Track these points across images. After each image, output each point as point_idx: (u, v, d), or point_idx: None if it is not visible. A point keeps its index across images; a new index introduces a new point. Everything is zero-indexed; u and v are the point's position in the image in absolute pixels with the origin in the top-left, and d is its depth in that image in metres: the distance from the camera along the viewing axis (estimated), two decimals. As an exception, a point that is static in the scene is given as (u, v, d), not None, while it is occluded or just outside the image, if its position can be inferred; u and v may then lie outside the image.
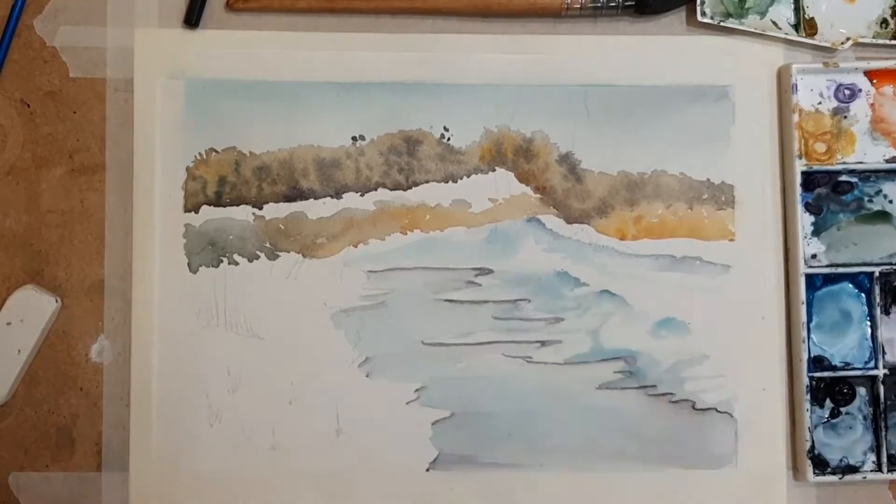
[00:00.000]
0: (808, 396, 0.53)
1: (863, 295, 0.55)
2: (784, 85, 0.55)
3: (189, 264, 0.54)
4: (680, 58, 0.56)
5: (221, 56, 0.54)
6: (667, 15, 0.56)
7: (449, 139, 0.55)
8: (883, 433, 0.54)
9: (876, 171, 0.55)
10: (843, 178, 0.55)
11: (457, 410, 0.54)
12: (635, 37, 0.56)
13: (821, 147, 0.55)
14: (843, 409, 0.55)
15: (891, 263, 0.55)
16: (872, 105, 0.56)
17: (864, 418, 0.55)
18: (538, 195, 0.55)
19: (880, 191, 0.55)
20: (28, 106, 0.54)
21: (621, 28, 0.56)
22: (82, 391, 0.54)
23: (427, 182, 0.55)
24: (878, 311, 0.54)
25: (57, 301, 0.53)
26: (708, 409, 0.55)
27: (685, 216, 0.55)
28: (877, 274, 0.54)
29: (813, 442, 0.54)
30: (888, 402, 0.54)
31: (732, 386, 0.55)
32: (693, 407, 0.55)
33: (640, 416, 0.55)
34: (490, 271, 0.55)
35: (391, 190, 0.55)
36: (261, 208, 0.54)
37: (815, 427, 0.54)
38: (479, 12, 0.55)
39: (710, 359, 0.55)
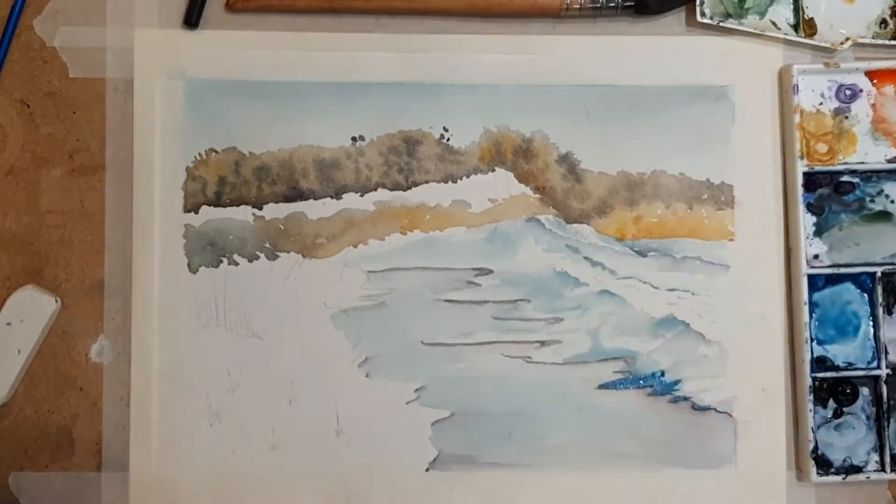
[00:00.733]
0: (811, 397, 0.53)
1: (865, 295, 0.55)
2: (785, 85, 0.55)
3: (189, 264, 0.54)
4: (679, 58, 0.56)
5: (221, 56, 0.55)
6: (666, 15, 0.56)
7: (448, 139, 0.55)
8: (886, 433, 0.54)
9: (877, 172, 0.55)
10: (845, 178, 0.55)
11: (456, 410, 0.54)
12: (635, 37, 0.56)
13: (822, 147, 0.55)
14: (845, 410, 0.55)
15: (893, 263, 0.55)
16: (874, 105, 0.55)
17: (867, 418, 0.55)
18: (538, 195, 0.55)
19: (882, 191, 0.55)
20: (28, 106, 0.54)
21: (621, 28, 0.56)
22: (82, 391, 0.54)
23: (427, 182, 0.55)
24: (880, 311, 0.54)
25: (57, 301, 0.53)
26: (707, 409, 0.55)
27: (685, 216, 0.55)
28: (879, 274, 0.54)
29: (816, 442, 0.54)
30: (891, 402, 0.54)
31: (731, 386, 0.55)
32: (692, 407, 0.55)
33: (640, 416, 0.54)
34: (490, 271, 0.55)
35: (391, 190, 0.55)
36: (261, 208, 0.55)
37: (818, 427, 0.54)
38: (479, 12, 0.55)
39: (710, 359, 0.55)
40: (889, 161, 0.55)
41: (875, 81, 0.55)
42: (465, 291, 0.55)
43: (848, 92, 0.55)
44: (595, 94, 0.55)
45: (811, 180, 0.55)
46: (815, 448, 0.54)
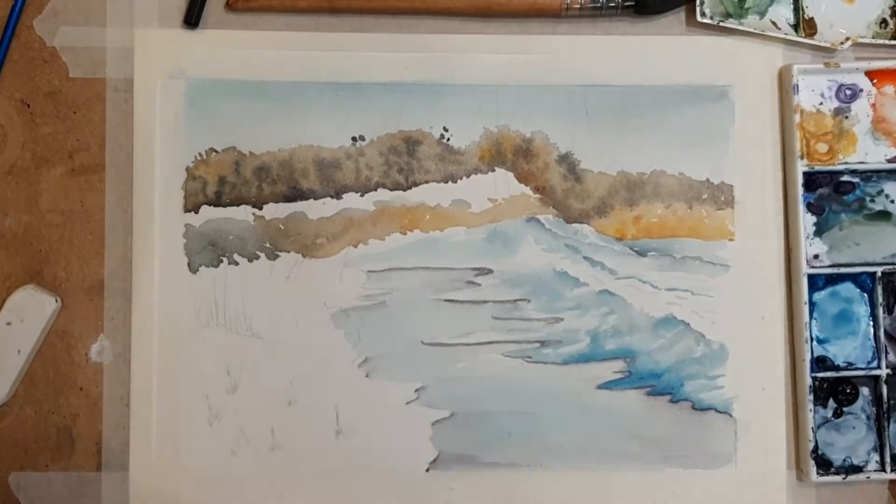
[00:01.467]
0: (811, 396, 0.53)
1: (865, 295, 0.55)
2: (785, 85, 0.55)
3: (189, 264, 0.54)
4: (679, 58, 0.56)
5: (221, 56, 0.55)
6: (666, 15, 0.56)
7: (448, 139, 0.55)
8: (886, 433, 0.54)
9: (878, 171, 0.55)
10: (845, 178, 0.55)
11: (457, 410, 0.54)
12: (635, 37, 0.56)
13: (822, 147, 0.55)
14: (846, 409, 0.54)
15: (893, 263, 0.55)
16: (874, 105, 0.55)
17: (868, 418, 0.55)
18: (538, 195, 0.55)
19: (882, 191, 0.55)
20: (28, 106, 0.54)
21: (621, 28, 0.56)
22: (82, 391, 0.54)
23: (427, 182, 0.55)
24: (880, 310, 0.54)
25: (57, 301, 0.53)
26: (707, 408, 0.55)
27: (685, 216, 0.55)
28: (879, 274, 0.54)
29: (816, 442, 0.54)
30: (891, 402, 0.54)
31: (731, 386, 0.55)
32: (692, 407, 0.55)
33: (640, 416, 0.54)
34: (490, 271, 0.55)
35: (391, 190, 0.55)
36: (261, 208, 0.55)
37: (819, 427, 0.54)
38: (479, 12, 0.55)
39: (710, 359, 0.55)
40: (889, 161, 0.55)
41: (875, 81, 0.55)
42: (465, 291, 0.55)
43: (848, 92, 0.55)
44: (595, 94, 0.55)
45: (811, 180, 0.55)
46: (816, 448, 0.54)
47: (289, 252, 0.54)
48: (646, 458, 0.54)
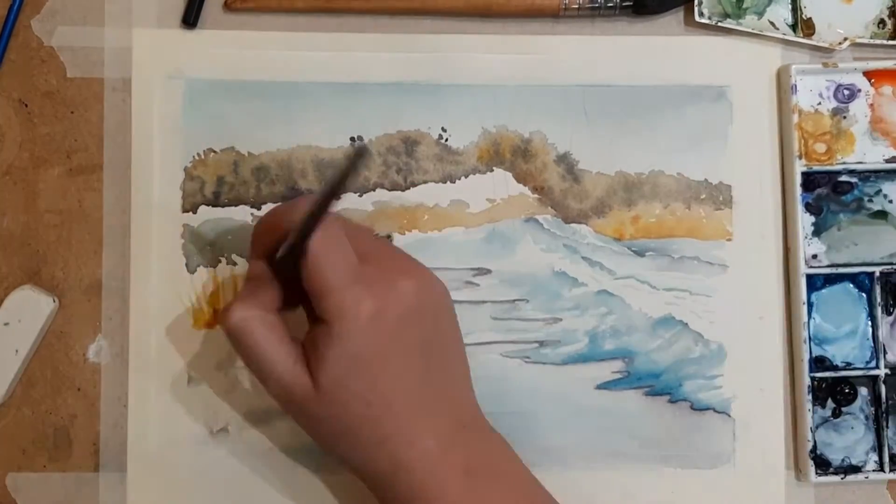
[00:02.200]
0: (810, 397, 0.53)
1: (864, 295, 0.55)
2: (783, 85, 0.55)
3: (187, 264, 0.54)
4: (677, 58, 0.56)
5: (220, 56, 0.54)
6: (664, 15, 0.56)
7: (447, 139, 0.55)
8: (885, 433, 0.54)
9: (876, 171, 0.55)
10: (843, 178, 0.55)
11: (455, 411, 0.54)
12: (633, 37, 0.56)
13: (820, 147, 0.55)
14: (844, 409, 0.54)
15: (891, 263, 0.55)
16: (872, 105, 0.56)
17: (866, 418, 0.55)
18: (536, 195, 0.55)
19: (880, 191, 0.55)
20: (26, 106, 0.54)
21: (619, 28, 0.56)
22: (80, 391, 0.54)
23: (425, 182, 0.55)
24: (878, 310, 0.54)
25: (54, 301, 0.53)
26: (706, 408, 0.55)
27: (683, 216, 0.55)
28: (877, 274, 0.54)
29: (815, 442, 0.54)
30: (890, 402, 0.54)
31: (730, 386, 0.55)
32: (691, 407, 0.55)
33: (639, 416, 0.54)
34: (488, 271, 0.55)
35: (389, 190, 0.55)
36: (259, 208, 0.54)
37: (817, 427, 0.54)
38: (478, 12, 0.55)
39: (708, 359, 0.55)
40: (887, 161, 0.55)
41: (873, 81, 0.55)
42: (464, 291, 0.55)
43: (846, 92, 0.55)
44: (593, 94, 0.55)
45: (809, 180, 0.55)
46: (814, 448, 0.54)
47: (287, 252, 0.54)
48: (644, 457, 0.54)
